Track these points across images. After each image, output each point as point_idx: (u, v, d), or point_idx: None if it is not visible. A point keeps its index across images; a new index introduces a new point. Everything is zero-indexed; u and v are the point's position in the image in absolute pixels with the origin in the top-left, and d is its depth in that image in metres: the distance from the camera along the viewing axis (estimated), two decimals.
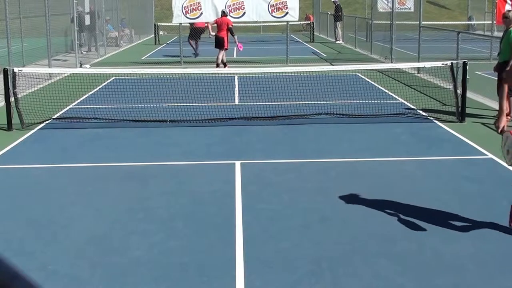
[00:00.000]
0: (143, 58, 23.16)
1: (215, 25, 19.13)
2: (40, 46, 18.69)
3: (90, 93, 14.18)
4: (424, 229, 6.00)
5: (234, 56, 23.91)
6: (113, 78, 16.27)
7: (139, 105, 12.25)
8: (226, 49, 18.92)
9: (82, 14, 22.73)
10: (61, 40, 22.85)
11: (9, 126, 10.50)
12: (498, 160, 8.42)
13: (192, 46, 23.06)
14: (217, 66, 18.59)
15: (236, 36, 18.89)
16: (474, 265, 5.22)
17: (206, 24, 21.75)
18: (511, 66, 7.02)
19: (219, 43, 18.88)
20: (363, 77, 16.49)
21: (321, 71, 14.16)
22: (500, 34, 11.66)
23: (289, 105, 12.07)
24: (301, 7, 22.57)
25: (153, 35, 31.26)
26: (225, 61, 18.96)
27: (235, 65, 19.64)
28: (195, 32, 23.27)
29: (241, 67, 17.46)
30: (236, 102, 13.12)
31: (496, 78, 11.30)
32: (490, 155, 8.67)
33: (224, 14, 19.15)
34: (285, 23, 21.21)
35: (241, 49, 19.23)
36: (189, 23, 22.30)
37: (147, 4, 36.52)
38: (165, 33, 35.45)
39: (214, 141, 9.75)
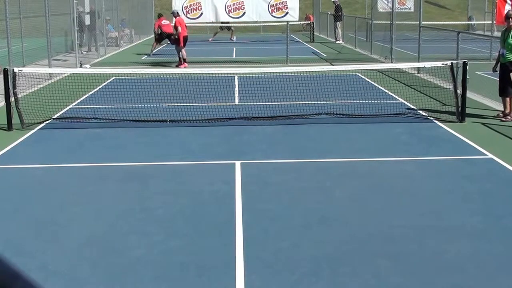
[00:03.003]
0: (143, 58, 23.15)
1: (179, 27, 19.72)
2: (40, 46, 18.68)
3: (90, 93, 14.17)
4: (424, 229, 6.00)
5: (234, 56, 23.92)
6: (113, 78, 16.27)
7: (139, 105, 12.25)
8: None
9: (82, 14, 22.71)
10: (61, 40, 22.82)
11: (9, 126, 10.49)
12: (498, 160, 8.42)
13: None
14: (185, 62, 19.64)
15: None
16: (474, 265, 5.22)
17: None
18: None
19: (186, 42, 19.84)
20: (363, 77, 16.49)
21: (321, 71, 14.15)
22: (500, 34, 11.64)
23: (289, 105, 12.06)
24: (301, 7, 22.56)
25: (153, 35, 31.19)
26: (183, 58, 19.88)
27: (235, 65, 19.64)
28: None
29: (241, 67, 17.46)
30: (236, 102, 13.11)
31: (498, 79, 11.31)
32: (490, 155, 8.67)
33: (178, 14, 19.82)
34: (285, 23, 21.20)
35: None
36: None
37: (147, 4, 36.50)
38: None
39: (214, 141, 9.75)
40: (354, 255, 5.42)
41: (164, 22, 23.08)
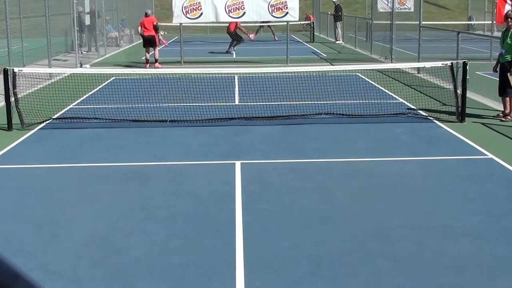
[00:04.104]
0: (143, 58, 23.14)
1: (140, 27, 20.05)
2: (40, 46, 18.68)
3: (90, 93, 14.18)
4: (424, 229, 6.00)
5: (234, 56, 23.92)
6: (113, 78, 16.27)
7: (139, 105, 12.25)
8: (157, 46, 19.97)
9: (82, 14, 22.71)
10: (61, 40, 22.83)
11: (9, 126, 10.49)
12: (498, 160, 8.43)
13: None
14: (157, 62, 19.61)
15: (160, 33, 20.09)
16: (474, 265, 5.22)
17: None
18: None
19: (152, 42, 19.84)
20: (363, 77, 16.49)
21: (321, 71, 14.16)
22: (500, 34, 11.64)
23: (289, 105, 12.07)
24: (301, 7, 22.55)
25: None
26: (147, 58, 19.92)
27: (235, 65, 19.65)
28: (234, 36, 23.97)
29: (241, 67, 17.46)
30: (236, 102, 13.12)
31: (498, 79, 11.31)
32: (490, 155, 8.67)
33: (147, 14, 20.04)
34: (285, 23, 21.21)
35: (166, 45, 20.18)
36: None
37: (147, 4, 36.50)
38: (166, 33, 35.44)
39: (214, 141, 9.75)
40: (354, 255, 5.43)
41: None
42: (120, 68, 16.16)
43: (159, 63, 19.66)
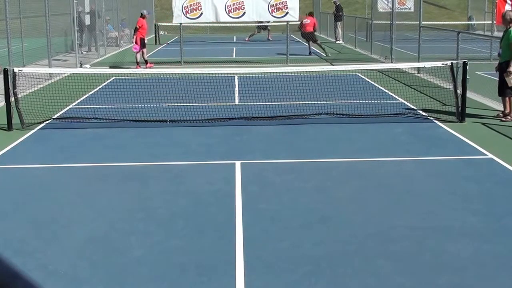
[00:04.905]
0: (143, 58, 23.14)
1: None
2: (40, 46, 18.68)
3: (90, 93, 14.18)
4: (424, 229, 6.00)
5: (234, 56, 23.93)
6: (113, 78, 16.28)
7: (139, 105, 12.25)
8: (136, 49, 19.48)
9: (82, 14, 22.71)
10: (61, 40, 22.83)
11: (9, 126, 10.49)
12: (498, 160, 8.43)
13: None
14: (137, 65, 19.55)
15: (134, 36, 19.52)
16: (474, 265, 5.22)
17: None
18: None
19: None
20: (363, 77, 16.49)
21: (321, 71, 14.16)
22: (500, 34, 11.66)
23: (289, 105, 12.07)
24: (301, 7, 22.55)
25: (153, 35, 31.27)
26: (145, 59, 19.72)
27: (235, 65, 19.65)
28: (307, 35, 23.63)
29: (241, 67, 17.46)
30: (236, 102, 13.12)
31: (498, 79, 11.31)
32: (490, 155, 8.67)
33: (141, 15, 19.81)
34: (285, 23, 21.21)
35: (134, 50, 19.56)
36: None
37: (147, 4, 36.50)
38: (165, 33, 35.46)
39: (214, 141, 9.75)
40: (354, 255, 5.43)
41: (305, 21, 23.31)
42: (120, 68, 16.14)
43: (139, 65, 19.44)
